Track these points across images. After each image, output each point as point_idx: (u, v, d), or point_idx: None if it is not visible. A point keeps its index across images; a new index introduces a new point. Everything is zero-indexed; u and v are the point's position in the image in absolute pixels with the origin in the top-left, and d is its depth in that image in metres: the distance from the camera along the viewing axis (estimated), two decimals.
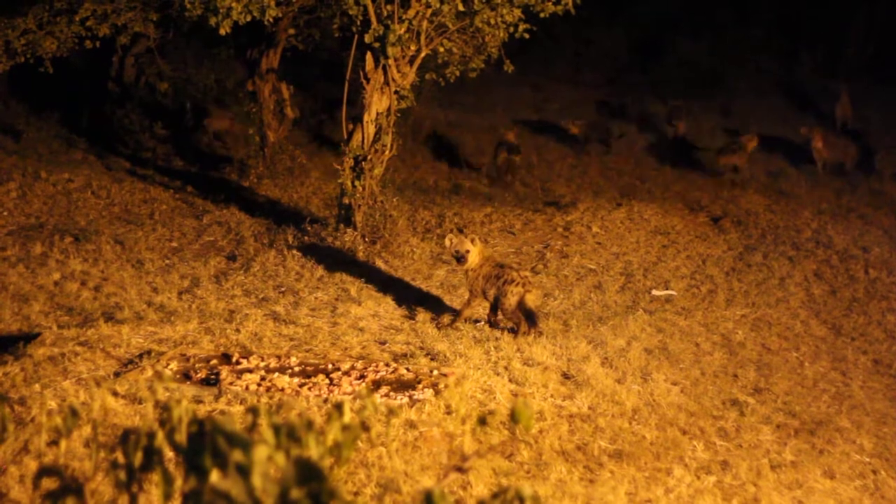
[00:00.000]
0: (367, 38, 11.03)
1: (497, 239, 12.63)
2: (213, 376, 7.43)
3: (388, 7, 11.06)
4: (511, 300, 8.77)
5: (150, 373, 7.39)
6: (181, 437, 2.10)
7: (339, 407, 2.24)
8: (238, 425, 1.97)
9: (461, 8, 11.10)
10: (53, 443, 5.91)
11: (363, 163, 11.65)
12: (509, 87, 20.33)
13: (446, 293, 10.37)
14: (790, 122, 20.12)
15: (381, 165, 11.79)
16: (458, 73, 12.99)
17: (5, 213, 12.92)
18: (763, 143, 18.16)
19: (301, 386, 7.31)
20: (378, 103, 11.58)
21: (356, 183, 11.61)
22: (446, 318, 9.17)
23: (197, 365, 7.70)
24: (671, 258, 12.16)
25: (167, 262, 11.14)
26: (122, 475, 2.17)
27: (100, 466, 2.32)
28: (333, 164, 12.43)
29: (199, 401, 6.81)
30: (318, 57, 17.94)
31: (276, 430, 2.02)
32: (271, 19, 11.26)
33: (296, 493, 1.85)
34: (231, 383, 7.24)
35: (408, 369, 7.70)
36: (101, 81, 17.28)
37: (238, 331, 8.54)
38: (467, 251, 9.06)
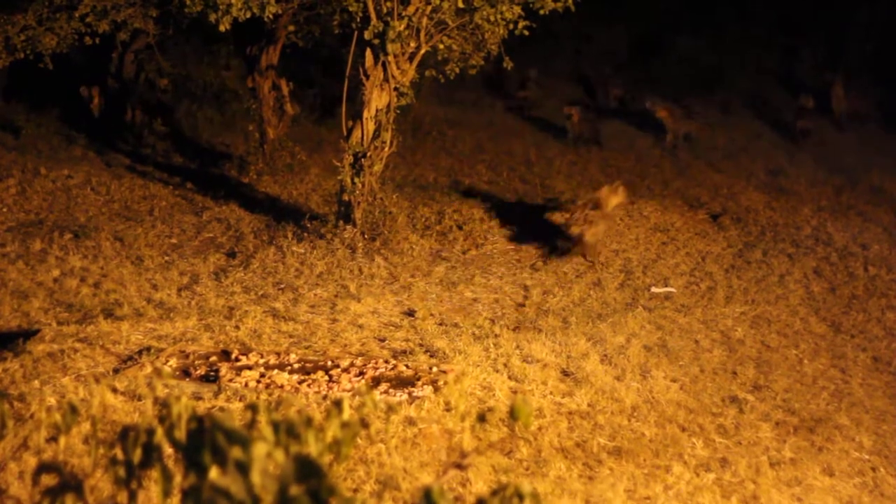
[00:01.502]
0: (367, 35, 11.03)
1: (496, 236, 12.63)
2: (212, 373, 7.43)
3: (388, 4, 11.05)
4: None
5: (149, 369, 7.39)
6: (180, 433, 2.10)
7: (338, 404, 2.24)
8: (237, 422, 1.97)
9: (461, 5, 11.10)
10: (53, 439, 5.92)
11: (363, 159, 11.64)
12: (509, 85, 20.32)
13: (445, 290, 10.37)
14: (791, 122, 20.11)
15: (381, 162, 11.79)
16: (457, 69, 12.99)
17: (5, 210, 12.91)
18: (763, 142, 18.18)
19: (300, 383, 7.31)
20: (378, 100, 11.58)
21: (356, 180, 11.61)
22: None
23: (196, 362, 7.70)
24: (670, 255, 12.16)
25: (166, 258, 11.14)
26: (122, 472, 2.17)
27: (99, 463, 2.32)
28: (333, 160, 12.43)
29: (198, 397, 6.81)
30: (317, 54, 17.92)
31: (276, 426, 2.02)
32: (271, 16, 11.26)
33: (295, 490, 1.85)
34: (230, 380, 7.24)
35: (407, 366, 7.71)
36: (101, 78, 17.25)
37: (237, 327, 8.55)
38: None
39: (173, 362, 7.65)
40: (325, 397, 6.95)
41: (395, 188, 12.70)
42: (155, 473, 2.19)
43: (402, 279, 10.63)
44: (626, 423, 7.11)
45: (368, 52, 11.42)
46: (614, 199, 12.12)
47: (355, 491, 5.70)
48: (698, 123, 19.00)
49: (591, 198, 12.27)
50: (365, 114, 11.61)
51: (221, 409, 6.65)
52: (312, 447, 2.06)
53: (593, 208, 11.89)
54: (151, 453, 2.16)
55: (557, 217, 12.44)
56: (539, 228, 13.06)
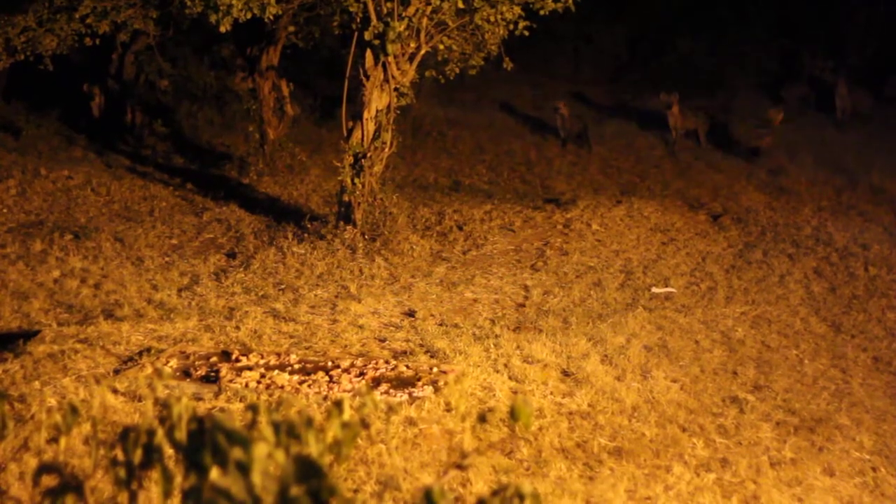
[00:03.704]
0: (367, 36, 11.03)
1: (497, 236, 12.62)
2: (212, 374, 7.44)
3: (388, 4, 11.06)
4: None
5: (149, 370, 7.39)
6: (181, 434, 2.10)
7: (338, 404, 2.24)
8: (238, 423, 1.97)
9: (461, 5, 11.10)
10: (53, 440, 5.92)
11: (363, 160, 11.65)
12: (509, 85, 20.32)
13: (446, 290, 10.37)
14: (792, 122, 20.11)
15: (381, 163, 11.80)
16: (457, 70, 13.00)
17: (5, 211, 12.92)
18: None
19: (301, 383, 7.31)
20: (378, 101, 11.58)
21: (356, 180, 11.61)
22: None
23: (197, 362, 7.70)
24: (671, 255, 12.15)
25: (167, 259, 11.15)
26: (122, 472, 2.17)
27: (99, 464, 2.32)
28: (333, 161, 12.43)
29: (198, 398, 6.81)
30: (318, 54, 17.94)
31: (276, 427, 2.02)
32: (271, 16, 11.27)
33: (295, 491, 1.85)
34: (231, 381, 7.24)
35: (407, 366, 7.71)
36: (101, 79, 17.26)
37: (238, 328, 8.55)
38: None
39: (174, 363, 7.65)
40: (325, 398, 6.95)
41: (395, 189, 12.70)
42: (155, 474, 2.19)
43: (403, 280, 10.63)
44: (627, 423, 7.11)
45: (368, 53, 11.43)
46: (779, 116, 18.23)
47: (356, 491, 5.70)
48: (703, 122, 19.03)
49: (764, 118, 18.09)
50: (365, 114, 11.62)
51: (222, 409, 6.65)
52: (313, 448, 2.06)
53: (765, 125, 18.11)
54: (152, 454, 2.16)
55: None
56: (537, 227, 13.07)
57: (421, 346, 8.30)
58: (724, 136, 18.97)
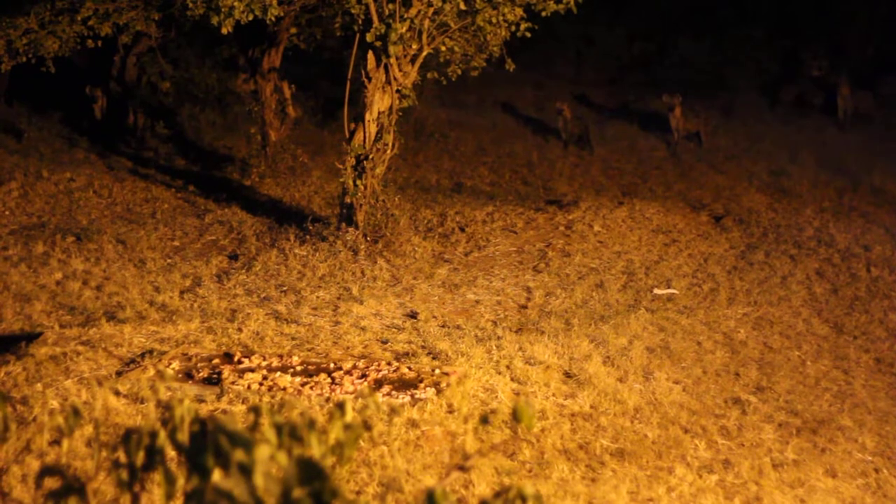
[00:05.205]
0: (369, 37, 11.03)
1: (499, 238, 12.62)
2: (215, 375, 7.44)
3: (390, 6, 11.06)
4: None
5: (152, 372, 7.40)
6: (183, 436, 2.10)
7: (341, 406, 2.24)
8: (240, 424, 1.97)
9: (463, 6, 11.10)
10: (55, 442, 5.93)
11: (365, 162, 11.65)
12: (511, 86, 20.32)
13: (448, 292, 10.37)
14: (793, 122, 20.12)
15: (383, 164, 11.80)
16: (459, 71, 13.00)
17: (7, 213, 12.93)
18: (765, 143, 18.25)
19: (303, 385, 7.31)
20: (380, 102, 11.58)
21: (358, 182, 11.61)
22: None
23: (199, 364, 7.70)
24: (673, 257, 12.15)
25: (169, 261, 11.15)
26: (124, 474, 2.17)
27: (102, 466, 2.32)
28: (335, 163, 12.44)
29: (201, 400, 6.81)
30: (319, 56, 17.95)
31: (279, 429, 2.02)
32: (273, 18, 11.27)
33: (298, 493, 1.85)
34: (233, 382, 7.24)
35: (410, 368, 7.70)
36: (103, 81, 17.27)
37: (240, 330, 8.55)
38: None
39: (176, 365, 7.65)
40: (327, 399, 6.95)
41: (397, 190, 12.70)
42: (158, 476, 2.19)
43: (405, 281, 10.63)
44: (629, 424, 7.11)
45: (370, 55, 11.43)
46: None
47: (358, 493, 5.70)
48: (704, 123, 19.03)
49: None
50: (367, 116, 11.62)
51: (224, 411, 6.66)
52: (315, 449, 2.06)
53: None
54: (154, 456, 2.16)
55: None
56: (539, 228, 13.07)
57: (423, 347, 8.30)
58: None
